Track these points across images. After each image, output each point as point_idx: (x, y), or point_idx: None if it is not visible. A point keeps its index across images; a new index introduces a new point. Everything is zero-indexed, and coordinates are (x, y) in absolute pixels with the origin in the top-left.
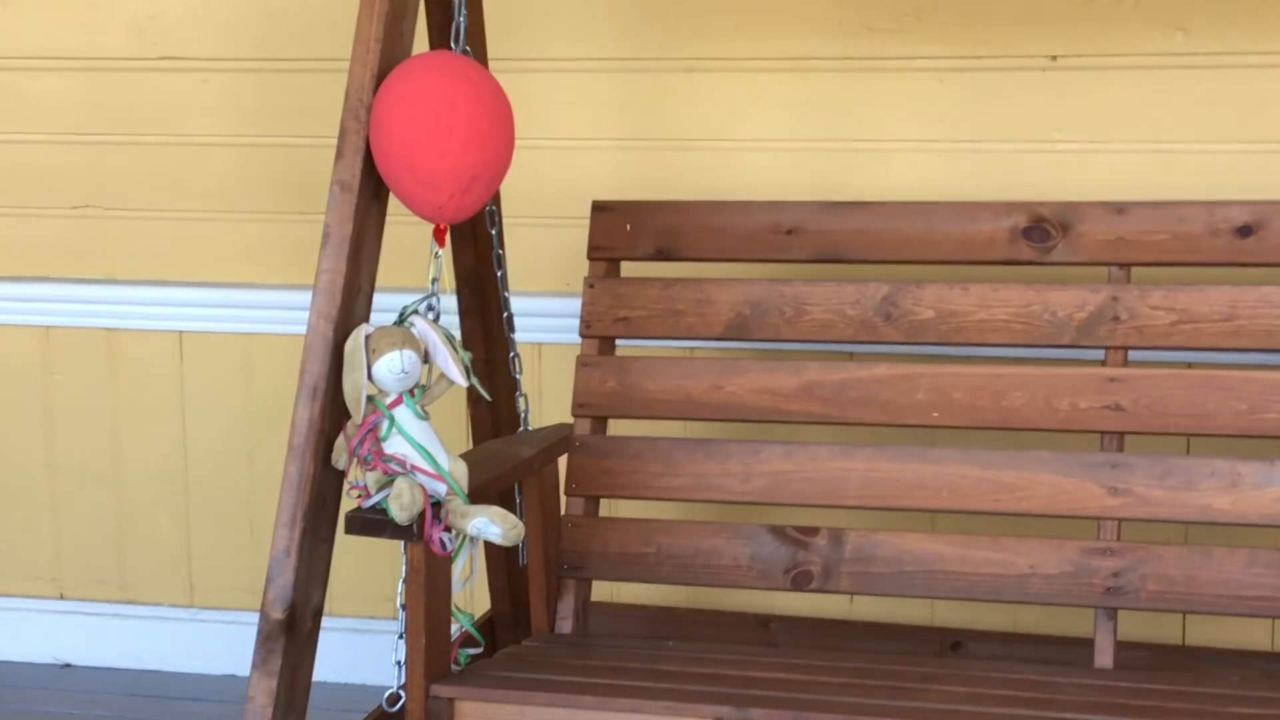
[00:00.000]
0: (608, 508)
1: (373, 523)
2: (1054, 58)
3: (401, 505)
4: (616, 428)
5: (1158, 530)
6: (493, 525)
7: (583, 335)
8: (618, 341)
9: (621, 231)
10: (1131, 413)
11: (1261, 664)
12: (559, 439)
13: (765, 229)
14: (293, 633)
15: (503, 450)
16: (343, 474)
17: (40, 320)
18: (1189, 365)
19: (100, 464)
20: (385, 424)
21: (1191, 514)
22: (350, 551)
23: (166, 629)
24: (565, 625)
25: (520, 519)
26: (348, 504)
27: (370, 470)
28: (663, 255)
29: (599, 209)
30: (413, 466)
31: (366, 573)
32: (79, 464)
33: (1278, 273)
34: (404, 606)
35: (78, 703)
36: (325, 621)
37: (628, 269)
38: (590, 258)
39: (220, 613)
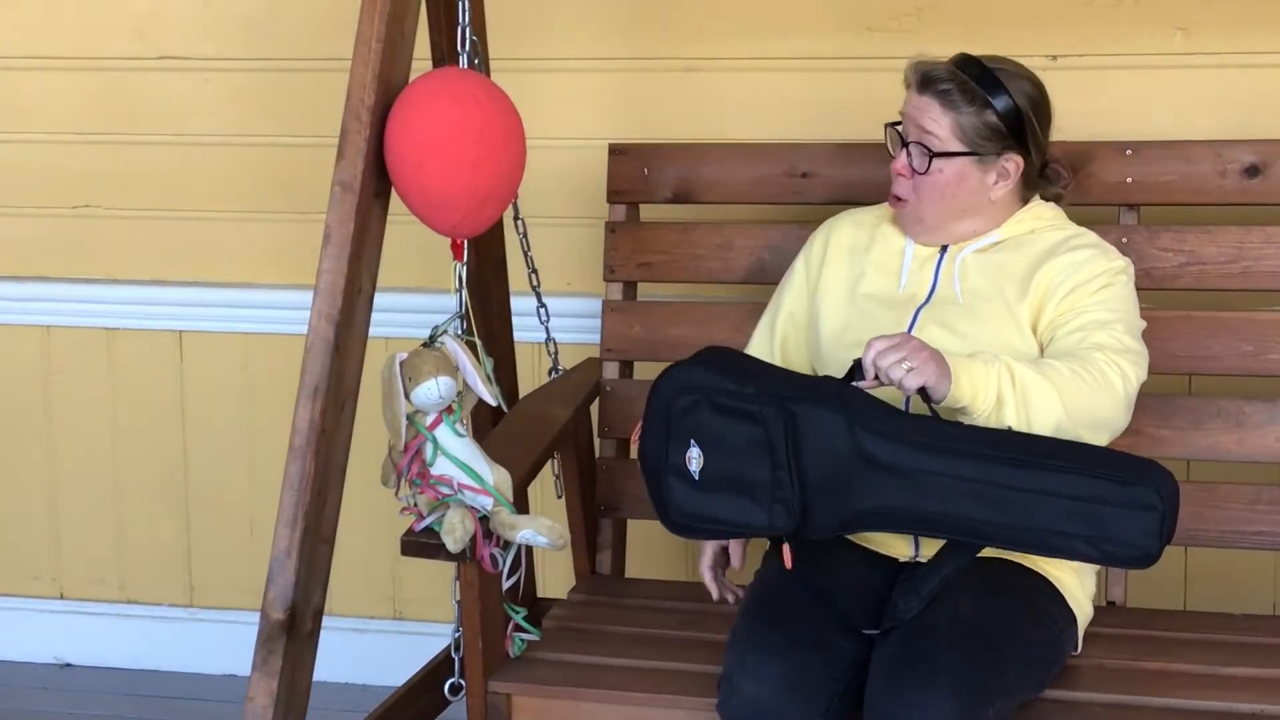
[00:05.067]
0: None
1: (427, 547)
2: (1054, 58)
3: (455, 539)
4: (643, 370)
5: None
6: (539, 536)
7: (606, 279)
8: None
9: (639, 175)
10: None
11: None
12: (589, 390)
13: (781, 172)
14: (293, 633)
15: (541, 415)
16: (344, 475)
17: (40, 320)
18: (1195, 306)
19: (100, 464)
20: (429, 447)
21: (1198, 453)
22: (350, 551)
23: (166, 629)
24: (605, 563)
25: (556, 471)
26: (352, 509)
27: (420, 494)
28: (680, 199)
29: (616, 152)
30: (460, 485)
31: (366, 573)
32: (79, 464)
33: None
34: (459, 603)
35: (78, 703)
36: (325, 621)
37: (646, 212)
38: (610, 201)
39: (220, 613)
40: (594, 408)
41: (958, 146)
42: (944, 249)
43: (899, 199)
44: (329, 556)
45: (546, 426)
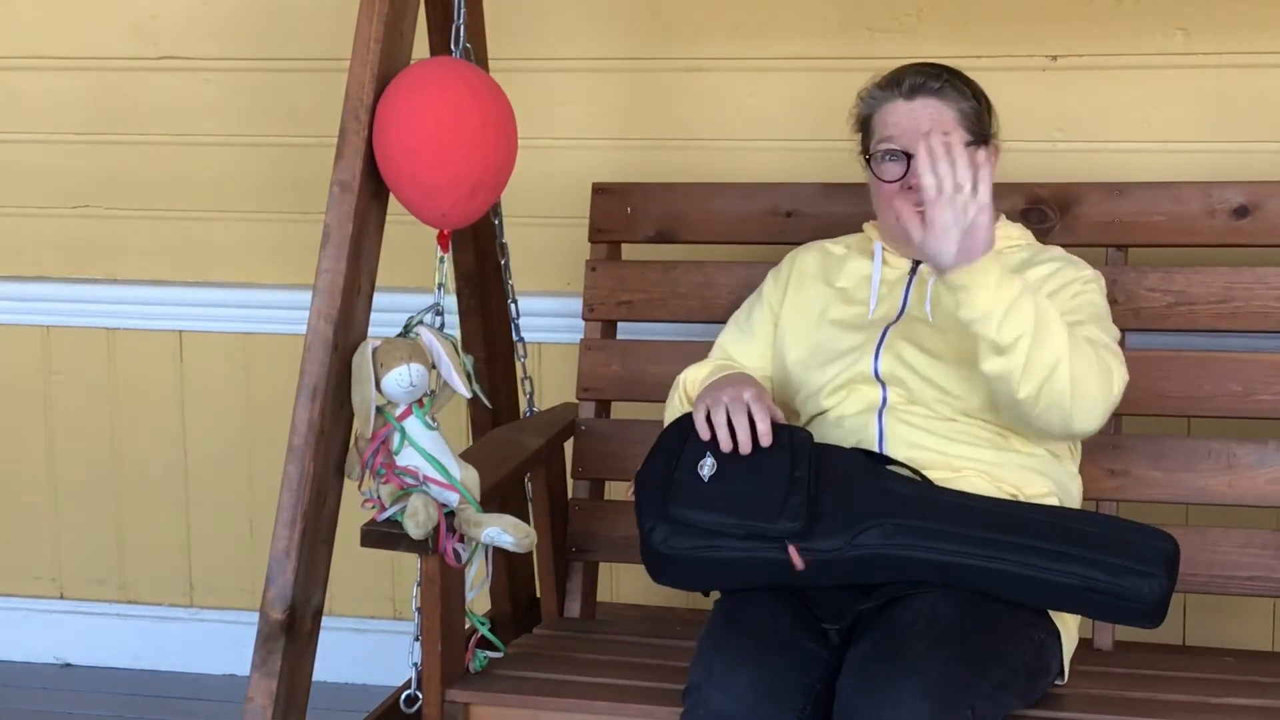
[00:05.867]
0: (614, 490)
1: (389, 536)
2: (1054, 58)
3: (417, 523)
4: (621, 410)
5: (1156, 511)
6: (505, 534)
7: (585, 318)
8: (619, 324)
9: (622, 214)
10: (1129, 395)
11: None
12: (564, 424)
13: (765, 211)
14: (293, 633)
15: (511, 440)
16: (343, 475)
17: (40, 320)
18: (1185, 347)
19: (100, 464)
20: (397, 437)
21: (1189, 495)
22: (350, 551)
23: (166, 629)
24: (574, 608)
25: (527, 505)
26: (352, 509)
27: (384, 484)
28: (663, 238)
29: (599, 191)
30: (425, 478)
31: (366, 573)
32: (79, 464)
33: (1273, 253)
34: (419, 610)
35: (78, 703)
36: (325, 621)
37: (628, 251)
38: (592, 240)
39: (220, 613)
40: (569, 448)
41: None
42: (913, 271)
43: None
44: (328, 556)
45: (517, 450)
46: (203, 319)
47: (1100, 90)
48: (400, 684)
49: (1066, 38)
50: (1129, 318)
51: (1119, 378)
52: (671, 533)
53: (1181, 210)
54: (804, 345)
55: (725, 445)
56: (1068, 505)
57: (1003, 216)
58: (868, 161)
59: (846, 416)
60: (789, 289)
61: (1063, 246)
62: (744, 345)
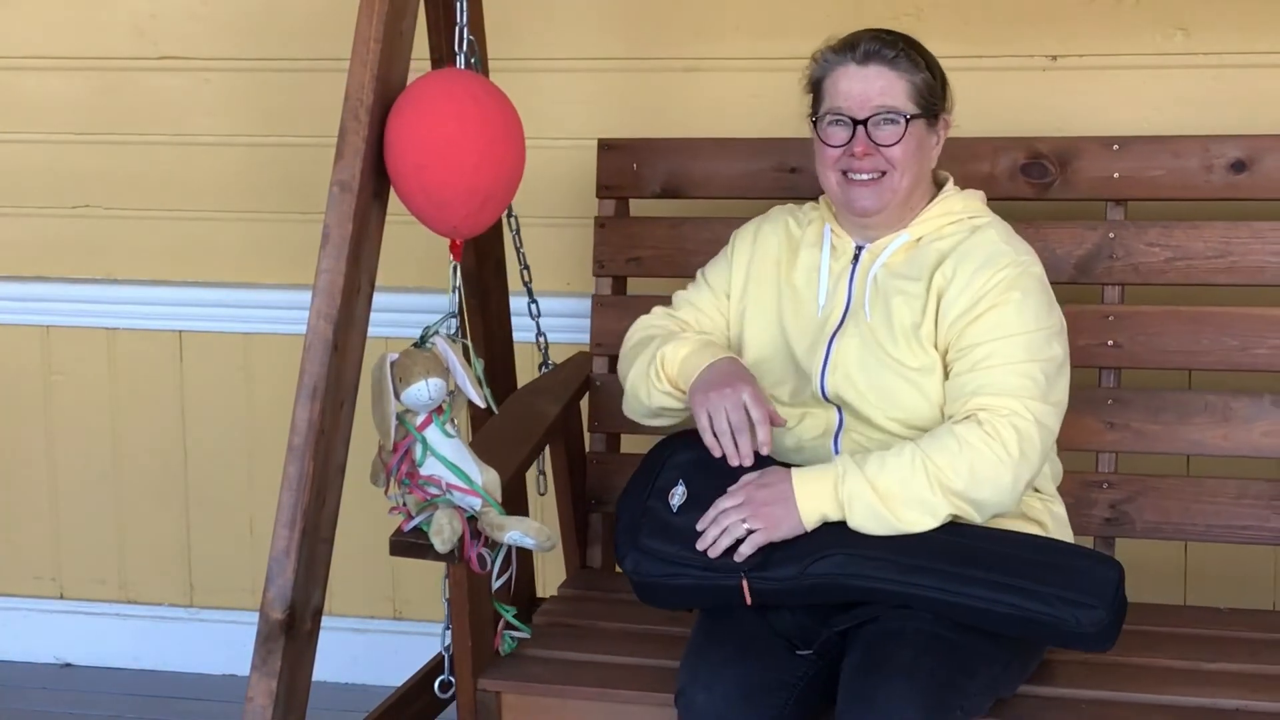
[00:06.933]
0: (629, 443)
1: (415, 546)
2: (1054, 58)
3: (443, 540)
4: None
5: (1154, 463)
6: (527, 537)
7: (596, 274)
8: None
9: (629, 170)
10: (1128, 349)
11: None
12: (578, 384)
13: (771, 167)
14: (293, 633)
15: (529, 410)
16: (343, 475)
17: (40, 320)
18: (1182, 301)
19: (100, 464)
20: (419, 448)
21: (1185, 447)
22: (350, 551)
23: (166, 629)
24: (595, 557)
25: (541, 468)
26: (351, 509)
27: (409, 494)
28: (669, 193)
29: (606, 147)
30: (449, 485)
31: (366, 573)
32: (79, 464)
33: (1270, 207)
34: (448, 601)
35: (78, 703)
36: (325, 621)
37: (636, 207)
38: (599, 196)
39: (220, 613)
40: (584, 402)
41: (914, 109)
42: (856, 259)
43: (869, 181)
44: (328, 556)
45: (536, 422)
46: (203, 319)
47: (1100, 90)
48: (398, 682)
49: (1066, 38)
50: (1128, 272)
51: (1031, 428)
52: (641, 560)
53: (1179, 165)
54: (759, 347)
55: (733, 461)
56: (1044, 494)
57: (949, 182)
58: (814, 124)
59: (805, 441)
60: (750, 277)
61: (1062, 201)
62: (709, 304)
